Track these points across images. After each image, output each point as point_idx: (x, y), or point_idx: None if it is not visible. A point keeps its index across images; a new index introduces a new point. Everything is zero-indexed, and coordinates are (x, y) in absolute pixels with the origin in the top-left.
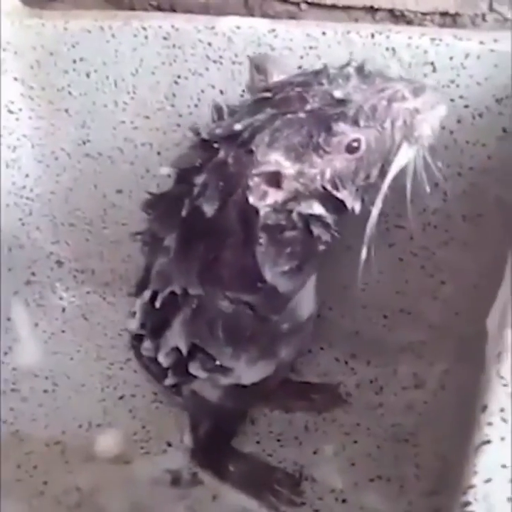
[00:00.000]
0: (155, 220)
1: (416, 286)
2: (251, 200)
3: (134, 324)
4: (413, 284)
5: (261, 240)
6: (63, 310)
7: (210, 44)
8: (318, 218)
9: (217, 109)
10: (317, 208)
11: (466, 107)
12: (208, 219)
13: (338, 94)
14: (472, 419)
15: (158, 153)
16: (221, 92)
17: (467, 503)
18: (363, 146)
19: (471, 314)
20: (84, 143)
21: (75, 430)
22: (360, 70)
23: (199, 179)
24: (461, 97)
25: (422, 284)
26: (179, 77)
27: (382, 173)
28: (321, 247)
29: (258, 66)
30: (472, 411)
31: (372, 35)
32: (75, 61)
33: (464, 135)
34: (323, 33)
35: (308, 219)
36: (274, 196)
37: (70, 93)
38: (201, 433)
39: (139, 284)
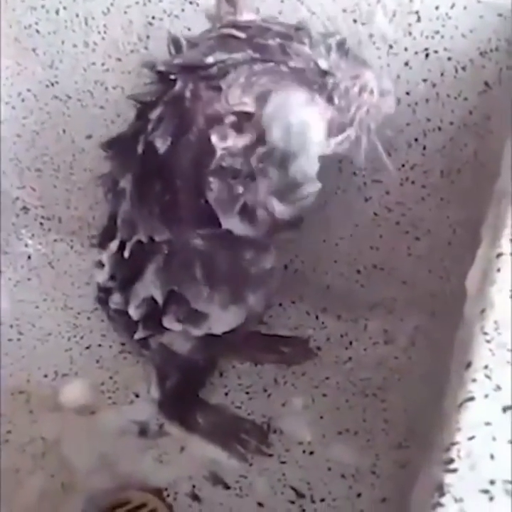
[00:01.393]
0: (113, 161)
1: (390, 242)
2: (213, 139)
3: (102, 276)
4: (387, 239)
5: (212, 185)
6: (29, 257)
7: None
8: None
9: (175, 42)
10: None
11: (450, 59)
12: (160, 156)
13: (323, 64)
14: (444, 376)
15: None
16: None
17: (450, 461)
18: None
19: (444, 271)
20: (52, 84)
21: (41, 379)
22: (340, 45)
23: (154, 114)
24: (445, 49)
25: (396, 240)
26: (153, 17)
27: None
28: None
29: None
30: (442, 368)
31: None
32: None
33: (446, 88)
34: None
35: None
36: (236, 139)
37: (37, 31)
38: (168, 386)
39: (103, 233)
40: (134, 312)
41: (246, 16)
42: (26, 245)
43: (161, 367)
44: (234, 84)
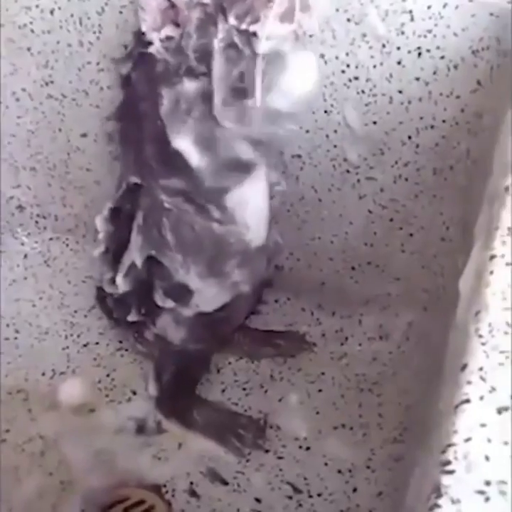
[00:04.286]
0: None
1: (384, 238)
2: (143, 28)
3: (97, 250)
4: (381, 236)
5: (164, 99)
6: (25, 256)
7: None
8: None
9: None
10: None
11: (442, 57)
12: (126, 81)
13: None
14: (438, 372)
15: None
16: None
17: (447, 462)
18: None
19: (437, 267)
20: (47, 84)
21: (38, 378)
22: None
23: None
24: (437, 47)
25: (390, 237)
26: None
27: None
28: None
29: None
30: (436, 363)
31: None
32: None
33: (438, 87)
34: None
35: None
36: (170, 31)
37: (32, 31)
38: (165, 380)
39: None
40: (121, 282)
41: None
42: (22, 244)
43: (158, 361)
44: None
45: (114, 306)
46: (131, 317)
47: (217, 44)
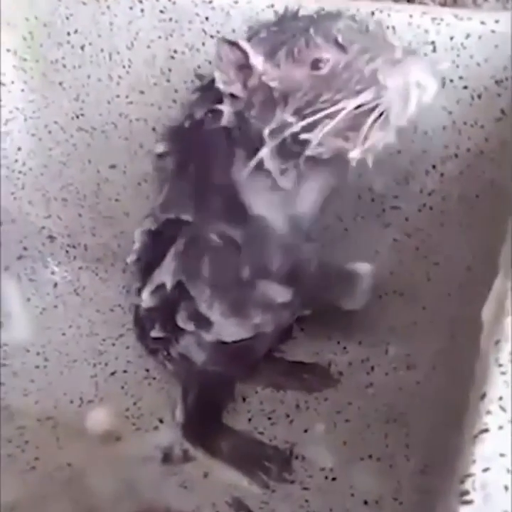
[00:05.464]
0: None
1: (410, 267)
2: (216, 75)
3: (131, 257)
4: (407, 265)
5: (235, 159)
6: (55, 285)
7: (207, 18)
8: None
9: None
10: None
11: (466, 87)
12: (198, 124)
13: None
14: (464, 402)
15: (153, 129)
16: None
17: (465, 492)
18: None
19: (463, 296)
20: (77, 117)
21: (67, 406)
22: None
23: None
24: (460, 77)
25: (415, 266)
26: (175, 51)
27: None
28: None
29: None
30: (463, 393)
31: (373, 13)
32: (69, 33)
33: (462, 116)
34: (323, 10)
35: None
36: (238, 90)
37: (63, 66)
38: (190, 403)
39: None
40: (147, 297)
41: None
42: (52, 273)
43: (183, 381)
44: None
45: (142, 320)
46: (155, 333)
47: (269, 128)
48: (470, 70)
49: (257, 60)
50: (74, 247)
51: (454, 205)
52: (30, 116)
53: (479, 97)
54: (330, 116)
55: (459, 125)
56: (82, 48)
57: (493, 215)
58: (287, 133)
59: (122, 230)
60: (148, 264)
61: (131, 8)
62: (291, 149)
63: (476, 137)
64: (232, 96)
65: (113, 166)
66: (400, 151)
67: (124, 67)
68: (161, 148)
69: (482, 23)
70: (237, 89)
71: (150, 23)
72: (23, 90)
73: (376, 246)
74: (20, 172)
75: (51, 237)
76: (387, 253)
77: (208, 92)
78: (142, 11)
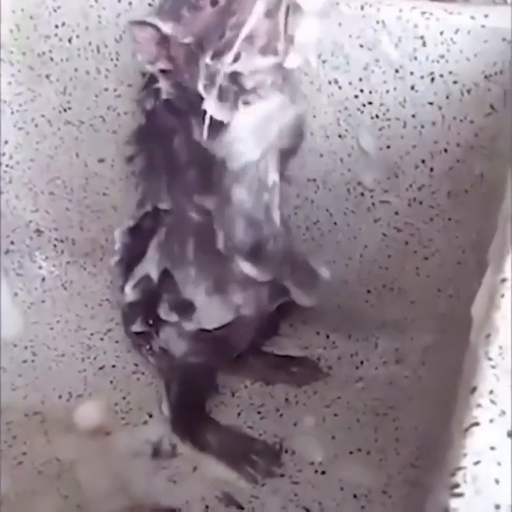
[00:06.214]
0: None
1: (399, 261)
2: (138, 57)
3: (113, 259)
4: (396, 259)
5: (194, 127)
6: (43, 279)
7: None
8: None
9: None
10: None
11: (455, 82)
12: (150, 115)
13: None
14: (453, 396)
15: None
16: None
17: (456, 485)
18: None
19: (453, 291)
20: (65, 110)
21: (55, 401)
22: None
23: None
24: (450, 72)
25: (405, 260)
26: None
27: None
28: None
29: None
30: (453, 387)
31: (362, 7)
32: (56, 26)
33: (451, 111)
34: None
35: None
36: (164, 64)
37: (51, 59)
38: (173, 396)
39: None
40: (129, 291)
41: None
42: (40, 267)
43: (165, 374)
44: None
45: (124, 316)
46: (135, 327)
47: (201, 83)
48: (459, 64)
49: (166, 27)
50: (62, 241)
51: (444, 200)
52: (17, 109)
53: (469, 92)
54: (246, 40)
55: (448, 120)
56: (70, 40)
57: (483, 210)
58: (219, 78)
59: (110, 224)
60: (130, 260)
61: (119, 1)
62: (230, 91)
63: (466, 132)
64: (163, 71)
65: (101, 160)
66: (390, 146)
67: (112, 60)
68: (128, 152)
69: (472, 17)
70: (163, 63)
71: (138, 16)
72: (10, 83)
73: (365, 240)
74: (7, 166)
75: (39, 232)
76: (377, 247)
77: (152, 83)
78: (130, 3)
